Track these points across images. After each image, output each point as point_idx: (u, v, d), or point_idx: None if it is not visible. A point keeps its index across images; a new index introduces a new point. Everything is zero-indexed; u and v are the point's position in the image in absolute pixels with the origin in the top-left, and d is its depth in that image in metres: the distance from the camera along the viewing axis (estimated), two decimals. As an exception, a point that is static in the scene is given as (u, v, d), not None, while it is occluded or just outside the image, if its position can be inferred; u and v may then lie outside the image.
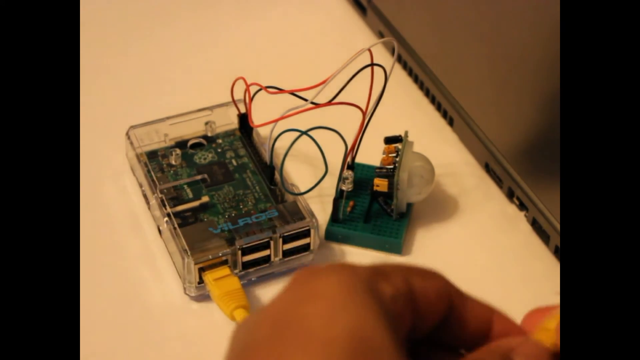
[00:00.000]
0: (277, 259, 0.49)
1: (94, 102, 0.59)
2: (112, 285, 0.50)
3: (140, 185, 0.53)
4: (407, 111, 0.53)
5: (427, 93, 0.58)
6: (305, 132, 0.49)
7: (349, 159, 0.51)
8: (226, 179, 0.52)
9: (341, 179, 0.51)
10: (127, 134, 0.54)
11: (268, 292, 0.49)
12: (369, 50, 0.48)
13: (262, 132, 0.54)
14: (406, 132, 0.52)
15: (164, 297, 0.49)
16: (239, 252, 0.48)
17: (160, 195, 0.50)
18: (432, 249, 0.51)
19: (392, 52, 0.61)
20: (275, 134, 0.49)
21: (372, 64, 0.48)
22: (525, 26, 0.52)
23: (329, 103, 0.49)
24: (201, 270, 0.48)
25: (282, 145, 0.50)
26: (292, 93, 0.50)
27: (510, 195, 0.53)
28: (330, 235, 0.52)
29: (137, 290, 0.49)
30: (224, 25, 0.65)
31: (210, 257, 0.48)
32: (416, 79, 0.59)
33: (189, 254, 0.47)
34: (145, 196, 0.52)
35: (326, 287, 0.35)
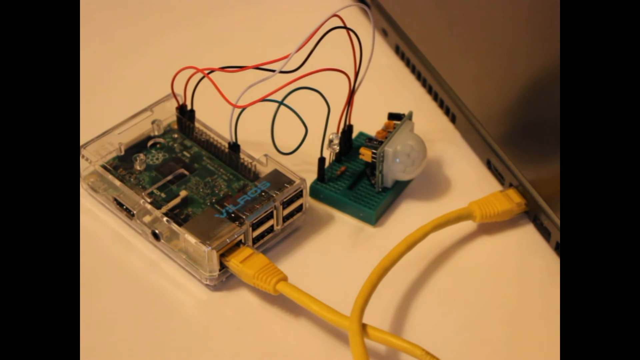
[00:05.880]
0: (278, 227, 0.50)
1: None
2: (134, 308, 0.48)
3: (115, 199, 0.51)
4: (409, 108, 0.53)
5: (429, 90, 0.59)
6: (281, 102, 0.49)
7: (341, 125, 0.52)
8: (189, 171, 0.52)
9: (325, 138, 0.51)
10: (81, 154, 0.52)
11: (276, 257, 0.50)
12: (337, 15, 0.48)
13: (205, 118, 0.53)
14: (410, 113, 0.52)
15: (188, 297, 0.49)
16: (250, 228, 0.48)
17: (148, 199, 0.49)
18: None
19: (396, 50, 0.61)
20: (236, 112, 0.49)
21: (345, 27, 0.49)
22: (528, 24, 0.52)
23: (309, 73, 0.48)
24: (221, 256, 0.48)
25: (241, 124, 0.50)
26: (257, 67, 0.49)
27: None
28: (314, 193, 0.53)
29: (158, 302, 0.49)
30: (223, 21, 0.65)
31: (227, 241, 0.48)
32: (419, 76, 0.60)
33: (207, 243, 0.47)
34: (126, 209, 0.50)
35: None
